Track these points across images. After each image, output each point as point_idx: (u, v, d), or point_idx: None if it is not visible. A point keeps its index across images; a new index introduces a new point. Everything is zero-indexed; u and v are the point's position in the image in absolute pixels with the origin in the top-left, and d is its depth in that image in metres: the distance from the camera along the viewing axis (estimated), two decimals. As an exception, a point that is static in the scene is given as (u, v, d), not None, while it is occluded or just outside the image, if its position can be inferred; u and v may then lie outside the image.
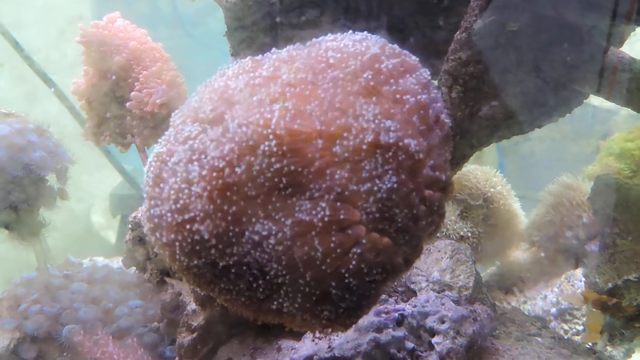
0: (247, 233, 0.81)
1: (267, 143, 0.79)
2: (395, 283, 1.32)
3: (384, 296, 1.29)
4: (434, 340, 1.19)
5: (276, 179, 0.80)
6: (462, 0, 1.31)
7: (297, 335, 1.26)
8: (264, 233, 0.80)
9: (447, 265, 1.35)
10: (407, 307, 1.24)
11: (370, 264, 0.81)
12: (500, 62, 1.21)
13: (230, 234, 0.81)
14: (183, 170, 0.85)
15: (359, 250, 0.80)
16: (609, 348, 1.50)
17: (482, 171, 1.91)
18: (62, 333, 1.47)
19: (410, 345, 1.18)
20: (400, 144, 0.83)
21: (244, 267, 0.83)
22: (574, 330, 1.76)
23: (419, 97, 0.88)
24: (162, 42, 1.76)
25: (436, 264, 1.36)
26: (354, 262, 0.80)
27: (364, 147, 0.82)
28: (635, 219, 1.43)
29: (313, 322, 0.87)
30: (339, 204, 0.80)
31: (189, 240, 0.83)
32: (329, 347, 1.20)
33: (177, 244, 0.84)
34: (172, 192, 0.84)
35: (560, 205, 1.95)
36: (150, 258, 1.58)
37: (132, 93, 1.64)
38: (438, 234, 1.76)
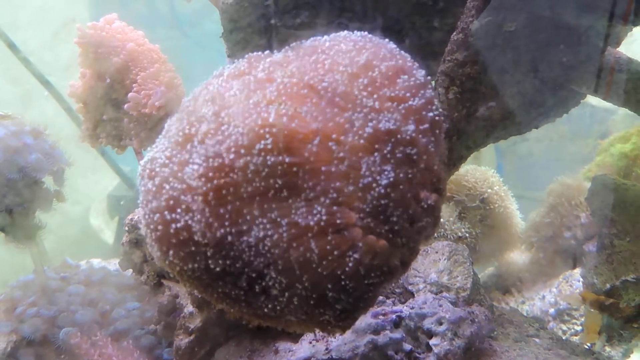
0: (243, 235, 0.81)
1: (263, 142, 0.79)
2: (393, 284, 1.32)
3: (381, 298, 1.29)
4: (432, 341, 1.19)
5: (272, 180, 0.79)
6: (457, 1, 1.31)
7: (295, 337, 1.26)
8: (260, 235, 0.80)
9: (444, 267, 1.34)
10: (405, 309, 1.23)
11: (367, 266, 0.81)
12: (497, 62, 1.20)
13: (226, 235, 0.81)
14: (178, 172, 0.84)
15: (355, 253, 0.80)
16: (607, 348, 1.50)
17: (480, 171, 1.91)
18: (59, 336, 1.47)
19: (407, 347, 1.18)
20: (398, 138, 0.83)
21: (240, 270, 0.82)
22: (573, 330, 1.75)
23: (415, 98, 0.88)
24: (159, 43, 1.75)
25: (434, 265, 1.35)
26: (350, 265, 0.80)
27: (361, 147, 0.81)
28: (632, 220, 1.43)
29: (310, 325, 0.87)
30: (335, 206, 0.80)
31: (184, 243, 0.82)
32: (327, 349, 1.20)
33: (172, 247, 0.83)
34: (167, 194, 0.83)
35: (559, 205, 1.95)
36: (147, 260, 1.57)
37: (130, 94, 1.63)
38: (435, 235, 1.76)
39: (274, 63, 0.92)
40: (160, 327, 1.50)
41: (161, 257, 0.87)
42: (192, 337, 1.33)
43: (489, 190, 1.85)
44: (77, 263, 1.85)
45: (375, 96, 0.86)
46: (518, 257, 2.03)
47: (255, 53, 0.95)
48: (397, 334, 1.18)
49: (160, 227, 0.84)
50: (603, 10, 1.15)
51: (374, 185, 0.82)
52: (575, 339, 1.69)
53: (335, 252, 0.79)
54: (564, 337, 1.57)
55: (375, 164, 0.82)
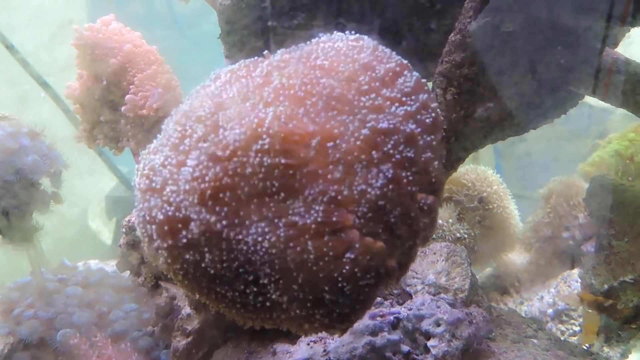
0: (239, 236, 0.80)
1: (260, 142, 0.79)
2: (391, 286, 1.32)
3: (379, 299, 1.28)
4: (430, 343, 1.19)
5: (269, 181, 0.79)
6: (455, 2, 1.30)
7: (293, 339, 1.26)
8: (257, 236, 0.80)
9: (442, 268, 1.34)
10: (403, 310, 1.23)
11: (364, 268, 0.81)
12: (494, 63, 1.20)
13: (223, 236, 0.80)
14: (174, 174, 0.84)
15: (352, 254, 0.80)
16: (605, 349, 1.50)
17: (478, 171, 1.91)
18: (57, 338, 1.46)
19: (405, 348, 1.18)
20: (395, 140, 0.83)
21: (237, 271, 0.82)
22: (571, 331, 1.75)
23: (412, 100, 0.88)
24: (157, 44, 1.75)
25: (432, 266, 1.35)
26: (347, 266, 0.80)
27: (358, 148, 0.81)
28: (631, 221, 1.43)
29: (307, 327, 0.87)
30: (332, 206, 0.79)
31: (180, 244, 0.82)
32: (325, 350, 1.20)
33: (168, 248, 0.83)
34: (163, 196, 0.83)
35: (558, 205, 1.95)
36: (145, 262, 1.57)
37: (127, 96, 1.63)
38: (434, 236, 1.75)
39: (271, 65, 0.92)
40: (157, 328, 1.50)
41: (157, 258, 0.87)
42: (189, 339, 1.33)
43: (488, 190, 1.85)
44: (74, 265, 1.85)
45: (372, 98, 0.86)
46: (516, 257, 2.03)
47: (252, 59, 0.95)
48: (395, 336, 1.18)
49: (155, 229, 0.84)
50: (601, 12, 1.15)
51: (371, 187, 0.82)
52: (573, 339, 1.69)
53: (332, 253, 0.79)
54: (562, 338, 1.56)
55: (372, 165, 0.82)
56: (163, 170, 0.86)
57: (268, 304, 0.85)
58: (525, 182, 2.39)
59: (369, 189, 0.82)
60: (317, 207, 0.79)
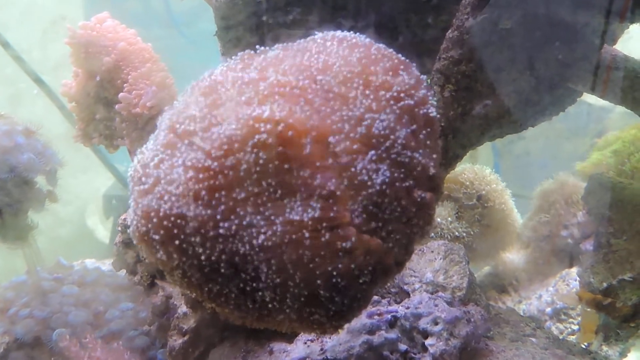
0: (235, 232, 0.80)
1: (256, 137, 0.78)
2: (388, 284, 1.31)
3: (376, 297, 1.28)
4: (427, 342, 1.18)
5: (265, 178, 0.79)
6: (452, -2, 1.30)
7: (290, 338, 1.25)
8: (253, 233, 0.79)
9: (440, 266, 1.33)
10: (400, 309, 1.23)
11: (360, 265, 0.80)
12: (492, 60, 1.20)
13: (218, 233, 0.80)
14: (169, 172, 0.83)
15: (348, 251, 0.79)
16: (604, 348, 1.49)
17: (477, 170, 1.91)
18: (52, 337, 1.46)
19: (403, 347, 1.17)
20: (392, 137, 0.82)
21: (233, 268, 0.81)
22: (570, 329, 1.75)
23: (409, 97, 0.87)
24: (154, 41, 1.74)
25: (429, 264, 1.35)
26: (343, 263, 0.79)
27: (355, 145, 0.81)
28: (629, 219, 1.42)
29: (303, 325, 0.86)
30: (329, 202, 0.79)
31: (175, 242, 0.81)
32: (322, 349, 1.19)
33: (163, 245, 0.82)
34: (158, 194, 0.82)
35: (556, 203, 1.95)
36: (141, 261, 1.56)
37: (121, 95, 1.62)
38: (433, 235, 1.75)
39: (267, 61, 0.91)
40: (154, 327, 1.49)
41: (154, 256, 0.86)
42: (186, 338, 1.32)
43: (487, 188, 1.85)
44: (70, 264, 1.84)
45: (369, 95, 0.85)
46: (515, 256, 2.03)
47: (247, 51, 0.94)
48: (393, 334, 1.17)
49: (150, 227, 0.83)
50: (599, 8, 1.14)
51: (369, 183, 0.81)
52: (572, 338, 1.69)
53: (328, 250, 0.78)
54: (560, 337, 1.56)
55: (369, 162, 0.82)
56: (157, 169, 0.85)
57: (264, 301, 0.84)
58: (523, 181, 2.39)
59: (367, 186, 0.81)
60: (313, 204, 0.78)
